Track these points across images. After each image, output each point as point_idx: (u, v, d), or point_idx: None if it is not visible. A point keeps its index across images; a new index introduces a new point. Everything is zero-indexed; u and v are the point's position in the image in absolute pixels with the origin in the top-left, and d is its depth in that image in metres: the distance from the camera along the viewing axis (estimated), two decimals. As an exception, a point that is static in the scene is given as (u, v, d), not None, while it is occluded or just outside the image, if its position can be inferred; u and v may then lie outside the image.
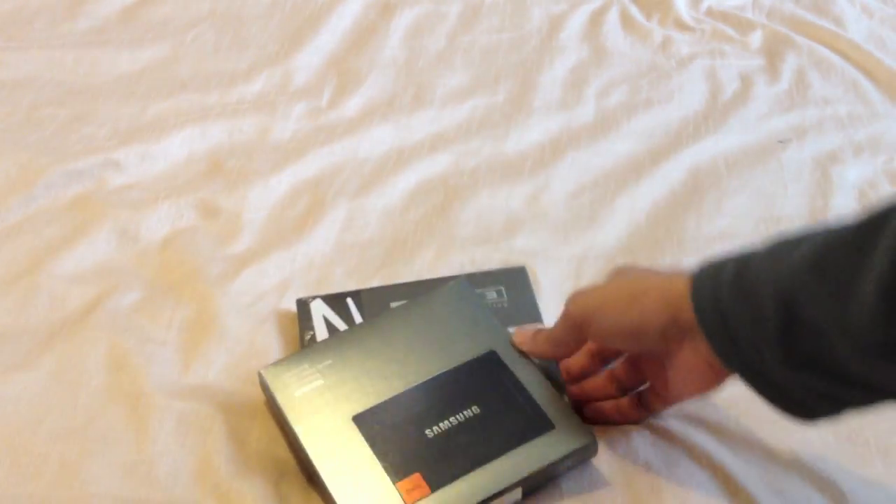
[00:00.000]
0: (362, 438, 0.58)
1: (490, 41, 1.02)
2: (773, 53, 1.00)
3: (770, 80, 0.97)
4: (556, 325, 0.61)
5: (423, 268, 0.75)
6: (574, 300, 0.59)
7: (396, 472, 0.56)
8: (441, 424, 0.58)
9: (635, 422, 0.62)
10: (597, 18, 1.05)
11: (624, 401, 0.62)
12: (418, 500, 0.55)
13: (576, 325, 0.58)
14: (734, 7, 1.07)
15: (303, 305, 0.70)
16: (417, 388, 0.60)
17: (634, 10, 1.07)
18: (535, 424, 0.59)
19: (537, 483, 0.58)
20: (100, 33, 1.02)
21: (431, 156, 0.87)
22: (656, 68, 0.99)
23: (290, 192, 0.82)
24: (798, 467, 0.60)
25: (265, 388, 0.62)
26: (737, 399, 0.64)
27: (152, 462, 0.61)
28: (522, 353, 0.63)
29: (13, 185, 0.82)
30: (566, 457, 0.58)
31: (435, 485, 0.56)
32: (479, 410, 0.59)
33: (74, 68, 0.97)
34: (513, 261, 0.76)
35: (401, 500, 0.55)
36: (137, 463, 0.61)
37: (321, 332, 0.68)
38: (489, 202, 0.82)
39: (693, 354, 0.54)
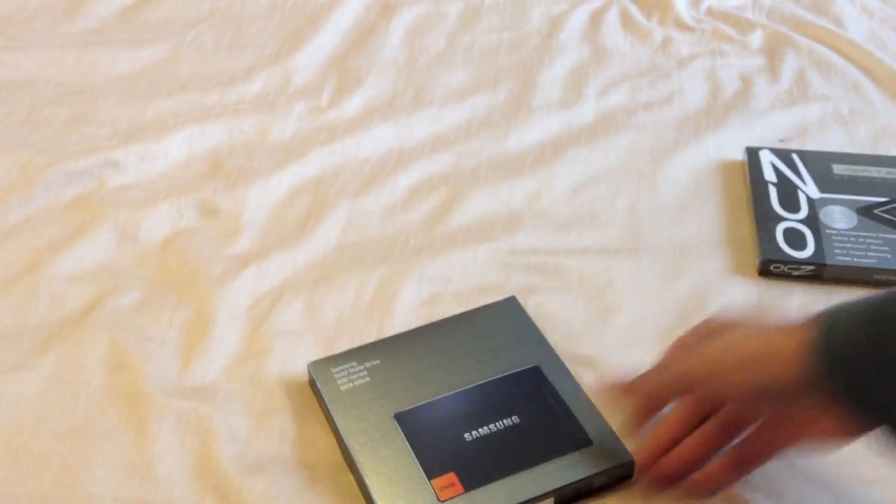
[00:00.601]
0: (402, 436, 0.60)
1: (490, 41, 1.02)
2: (773, 53, 1.00)
3: (770, 80, 0.97)
4: (659, 378, 0.58)
5: (423, 267, 0.75)
6: (687, 358, 0.56)
7: (432, 469, 0.58)
8: (480, 429, 0.60)
9: (725, 486, 0.58)
10: (597, 18, 1.05)
11: (715, 466, 0.58)
12: (451, 497, 0.56)
13: (685, 382, 0.56)
14: (734, 7, 1.07)
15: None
16: (460, 393, 0.62)
17: (634, 10, 1.07)
18: (573, 438, 0.59)
19: (571, 496, 0.58)
20: (99, 33, 1.02)
21: (432, 155, 0.87)
22: (656, 68, 0.99)
23: (291, 192, 0.82)
24: (798, 467, 0.60)
25: (312, 381, 0.65)
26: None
27: (152, 462, 0.61)
28: (563, 370, 0.64)
29: (13, 185, 0.82)
30: (601, 472, 0.58)
31: (469, 485, 0.57)
32: (518, 420, 0.61)
33: (74, 68, 0.97)
34: (513, 261, 0.76)
35: (434, 496, 0.56)
36: (137, 463, 0.61)
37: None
38: (490, 201, 0.82)
39: (821, 412, 0.50)
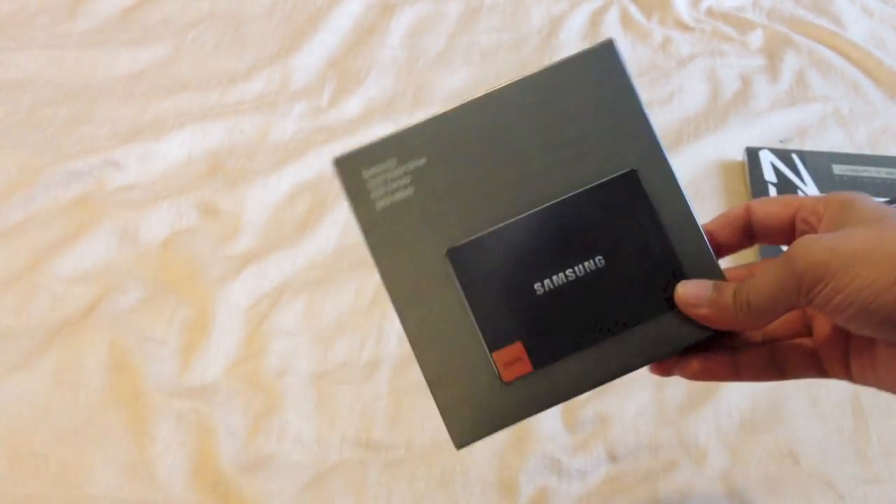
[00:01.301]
0: (458, 286, 0.45)
1: (490, 41, 1.02)
2: (773, 53, 1.00)
3: (770, 80, 0.97)
4: (764, 280, 0.42)
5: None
6: (807, 248, 0.40)
7: (494, 337, 0.45)
8: (555, 277, 0.45)
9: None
10: (597, 18, 1.05)
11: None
12: (517, 378, 0.45)
13: (801, 284, 0.40)
14: (734, 7, 1.07)
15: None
16: (532, 217, 0.46)
17: (634, 10, 1.07)
18: (667, 293, 0.45)
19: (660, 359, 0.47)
20: (100, 33, 1.02)
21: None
22: (656, 68, 0.99)
23: (291, 192, 0.82)
24: (798, 467, 0.60)
25: (341, 182, 0.47)
26: (737, 400, 0.64)
27: (152, 462, 0.61)
28: (666, 173, 0.46)
29: (13, 185, 0.82)
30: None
31: (538, 361, 0.45)
32: (602, 263, 0.46)
33: (74, 68, 0.97)
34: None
35: (496, 374, 0.45)
36: (137, 463, 0.61)
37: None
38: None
39: None
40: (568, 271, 0.45)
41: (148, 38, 1.01)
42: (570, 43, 1.02)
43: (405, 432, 0.64)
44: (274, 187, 0.83)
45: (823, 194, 0.46)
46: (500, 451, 0.63)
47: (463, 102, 0.50)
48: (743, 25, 1.05)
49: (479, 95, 0.50)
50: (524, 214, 0.46)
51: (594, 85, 0.47)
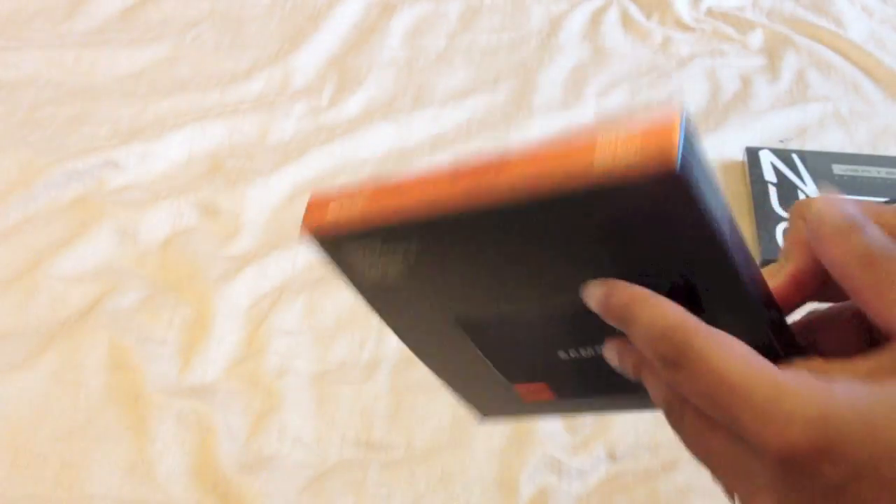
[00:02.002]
0: (473, 346, 0.41)
1: (490, 41, 1.02)
2: (773, 53, 1.00)
3: (770, 80, 0.97)
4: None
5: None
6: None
7: (516, 376, 0.42)
8: (582, 350, 0.40)
9: None
10: (597, 18, 1.05)
11: None
12: (537, 401, 0.43)
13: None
14: (734, 7, 1.07)
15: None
16: (553, 306, 0.39)
17: (634, 10, 1.07)
18: None
19: None
20: (100, 33, 1.02)
21: (432, 155, 0.87)
22: (656, 68, 0.99)
23: (291, 192, 0.82)
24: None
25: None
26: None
27: (152, 462, 0.61)
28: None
29: (13, 185, 0.81)
30: None
31: (560, 394, 0.42)
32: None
33: (74, 68, 0.97)
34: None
35: (518, 397, 0.43)
36: (137, 463, 0.61)
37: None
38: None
39: None
40: (598, 347, 0.39)
41: (148, 38, 1.01)
42: (571, 43, 1.02)
43: (405, 432, 0.64)
44: (274, 187, 0.83)
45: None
46: (500, 451, 0.63)
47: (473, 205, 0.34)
48: (743, 25, 1.05)
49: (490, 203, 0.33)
50: (543, 307, 0.39)
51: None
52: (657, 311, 0.32)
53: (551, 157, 0.31)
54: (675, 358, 0.30)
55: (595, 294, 0.34)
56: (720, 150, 0.88)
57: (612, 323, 0.34)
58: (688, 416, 0.32)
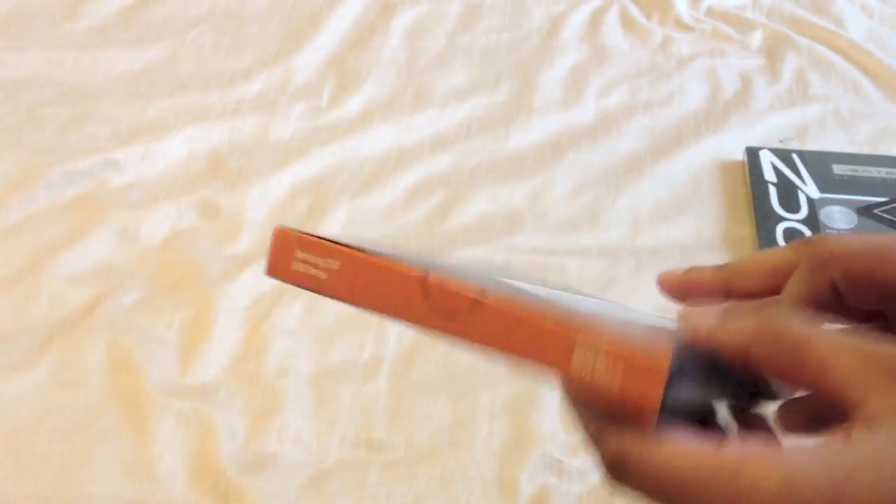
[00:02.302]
0: None
1: (490, 41, 1.02)
2: (773, 53, 1.00)
3: (770, 80, 0.97)
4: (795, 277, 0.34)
5: (423, 268, 0.75)
6: (828, 241, 0.34)
7: None
8: None
9: None
10: (597, 18, 1.05)
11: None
12: None
13: (822, 266, 0.34)
14: (734, 7, 1.07)
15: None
16: None
17: (634, 10, 1.06)
18: None
19: None
20: (100, 33, 1.02)
21: (432, 155, 0.87)
22: (656, 68, 0.99)
23: (291, 192, 0.82)
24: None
25: None
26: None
27: (152, 462, 0.61)
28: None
29: (13, 185, 0.81)
30: None
31: None
32: None
33: (74, 68, 0.97)
34: (513, 261, 0.76)
35: None
36: (137, 463, 0.60)
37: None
38: (490, 201, 0.82)
39: None
40: None
41: (148, 37, 1.01)
42: (571, 43, 1.02)
43: (405, 432, 0.64)
44: (274, 187, 0.83)
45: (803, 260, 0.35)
46: (500, 451, 0.63)
47: None
48: (743, 25, 1.05)
49: None
50: None
51: None
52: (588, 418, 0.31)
53: (526, 327, 0.31)
54: (619, 469, 0.29)
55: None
56: (720, 150, 0.88)
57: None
58: None
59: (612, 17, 1.06)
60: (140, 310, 0.71)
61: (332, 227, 0.79)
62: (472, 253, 0.77)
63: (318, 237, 0.36)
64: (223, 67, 0.97)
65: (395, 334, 0.70)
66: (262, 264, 0.77)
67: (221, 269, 0.74)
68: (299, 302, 0.72)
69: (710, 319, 0.32)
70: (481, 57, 1.00)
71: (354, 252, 0.35)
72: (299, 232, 0.36)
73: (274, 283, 0.76)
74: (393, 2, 1.07)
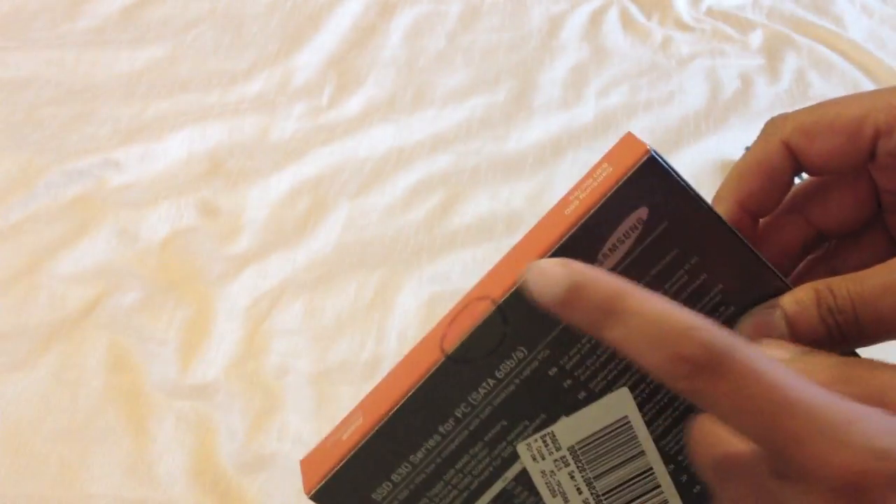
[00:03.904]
0: None
1: (490, 41, 1.02)
2: (773, 53, 1.00)
3: (770, 80, 0.97)
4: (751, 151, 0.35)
5: (423, 268, 0.75)
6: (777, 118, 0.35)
7: None
8: None
9: None
10: (597, 18, 1.05)
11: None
12: None
13: (774, 126, 0.35)
14: (734, 7, 1.07)
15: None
16: None
17: (634, 10, 1.07)
18: None
19: None
20: (100, 33, 1.02)
21: (432, 155, 0.87)
22: (656, 68, 0.99)
23: (291, 192, 0.82)
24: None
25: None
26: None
27: (152, 462, 0.61)
28: None
29: (13, 185, 0.82)
30: None
31: None
32: None
33: (74, 68, 0.97)
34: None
35: None
36: (137, 463, 0.61)
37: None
38: (490, 201, 0.82)
39: None
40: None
41: (148, 37, 1.01)
42: (571, 43, 1.02)
43: (405, 432, 0.64)
44: (274, 187, 0.83)
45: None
46: (500, 450, 0.63)
47: None
48: (743, 25, 1.05)
49: None
50: None
51: None
52: (661, 305, 0.26)
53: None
54: (709, 362, 0.25)
55: (549, 276, 0.27)
56: (720, 150, 0.88)
57: (573, 320, 0.27)
58: (706, 425, 0.29)
59: (612, 17, 1.06)
60: (140, 310, 0.71)
61: (333, 226, 0.79)
62: (471, 253, 0.77)
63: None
64: (223, 67, 0.97)
65: (396, 335, 0.70)
66: (262, 264, 0.78)
67: (221, 269, 0.74)
68: (299, 302, 0.72)
69: None
70: (481, 57, 1.00)
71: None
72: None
73: (274, 282, 0.76)
74: (393, 2, 1.07)
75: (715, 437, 0.28)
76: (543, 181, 0.84)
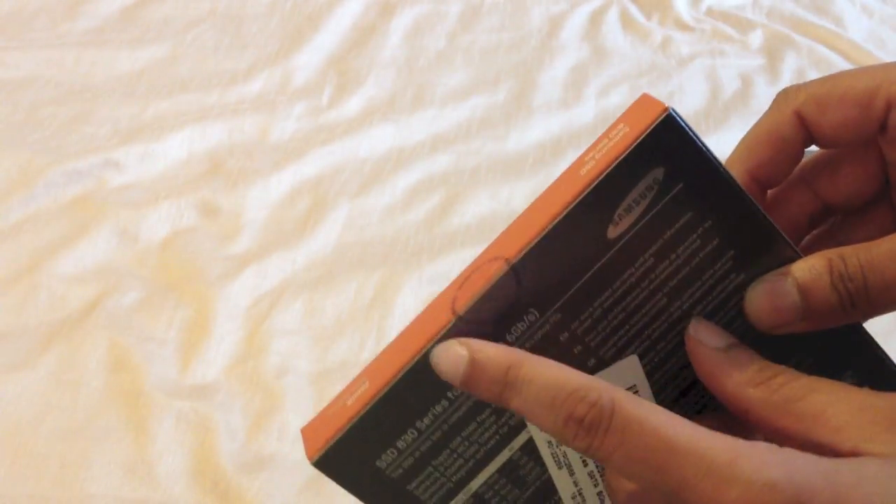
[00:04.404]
0: None
1: (490, 41, 1.02)
2: (773, 53, 1.00)
3: (770, 80, 0.97)
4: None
5: (423, 268, 0.75)
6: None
7: None
8: None
9: None
10: (597, 18, 1.05)
11: None
12: None
13: (787, 97, 0.34)
14: (734, 7, 1.07)
15: None
16: None
17: (634, 10, 1.07)
18: None
19: None
20: (100, 33, 1.02)
21: (432, 155, 0.87)
22: (656, 68, 0.99)
23: (291, 192, 0.82)
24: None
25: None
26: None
27: (152, 462, 0.61)
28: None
29: (13, 185, 0.82)
30: None
31: None
32: None
33: (74, 68, 0.97)
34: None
35: None
36: (137, 463, 0.61)
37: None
38: (490, 201, 0.82)
39: None
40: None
41: (148, 38, 1.01)
42: (571, 43, 1.02)
43: (405, 432, 0.64)
44: (274, 187, 0.83)
45: None
46: (500, 450, 0.63)
47: None
48: (743, 25, 1.05)
49: None
50: None
51: None
52: (551, 371, 0.28)
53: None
54: (596, 420, 0.27)
55: (450, 357, 0.29)
56: (720, 150, 0.88)
57: (479, 395, 0.29)
58: (611, 483, 0.31)
59: (612, 17, 1.06)
60: (140, 310, 0.71)
61: (333, 226, 0.79)
62: (471, 253, 0.77)
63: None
64: (223, 67, 0.97)
65: (396, 334, 0.70)
66: (262, 264, 0.78)
67: (221, 269, 0.74)
68: (299, 302, 0.72)
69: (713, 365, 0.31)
70: (481, 57, 1.00)
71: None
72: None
73: (274, 282, 0.76)
74: (393, 2, 1.07)
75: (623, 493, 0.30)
76: (543, 181, 0.84)
